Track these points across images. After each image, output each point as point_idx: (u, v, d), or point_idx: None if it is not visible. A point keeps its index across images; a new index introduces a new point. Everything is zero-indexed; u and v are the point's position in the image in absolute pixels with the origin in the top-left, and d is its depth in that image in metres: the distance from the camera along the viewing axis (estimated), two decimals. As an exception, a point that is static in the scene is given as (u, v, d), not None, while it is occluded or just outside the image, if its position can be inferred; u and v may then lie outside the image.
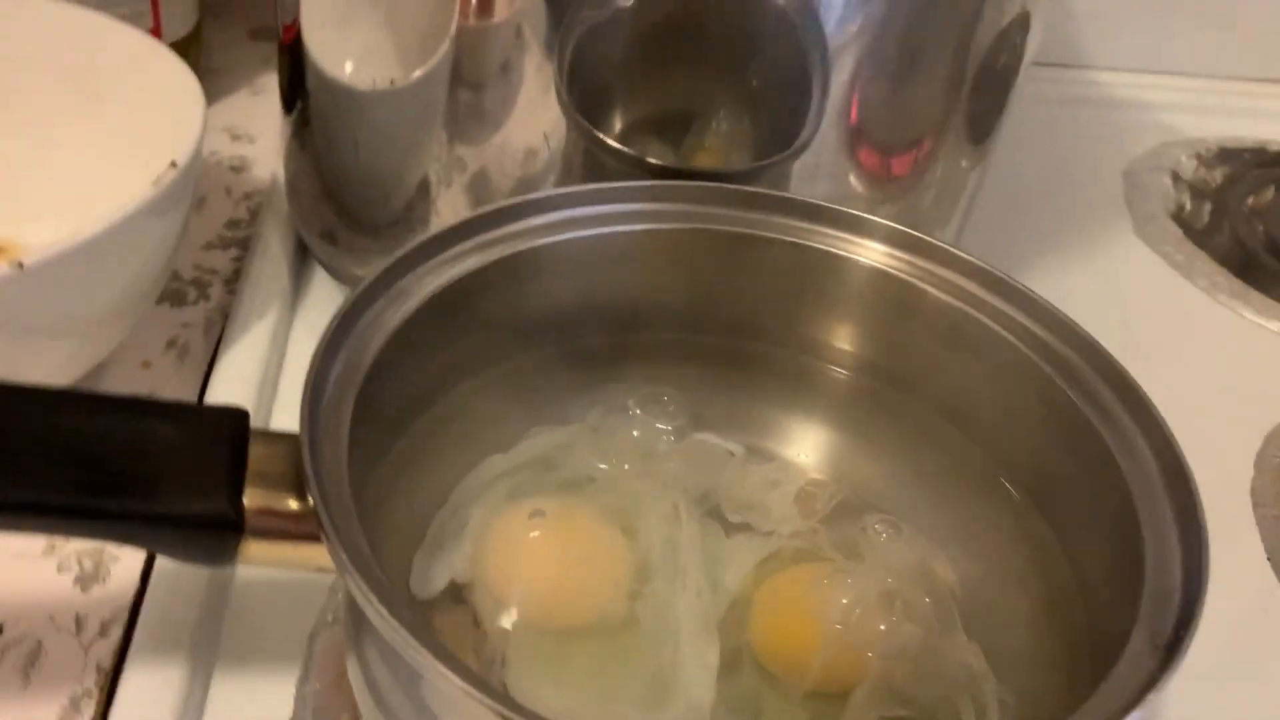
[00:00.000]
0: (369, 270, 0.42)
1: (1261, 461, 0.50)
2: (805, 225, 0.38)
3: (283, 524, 0.28)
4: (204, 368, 0.48)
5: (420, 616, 0.33)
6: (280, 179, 0.55)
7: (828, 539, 0.38)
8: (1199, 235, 0.63)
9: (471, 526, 0.37)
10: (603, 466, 0.39)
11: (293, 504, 0.28)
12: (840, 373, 0.40)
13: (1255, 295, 0.59)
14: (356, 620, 0.30)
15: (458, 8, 0.39)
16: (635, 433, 0.40)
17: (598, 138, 0.40)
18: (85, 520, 0.27)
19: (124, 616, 0.38)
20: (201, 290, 0.52)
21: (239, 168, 0.59)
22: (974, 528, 0.37)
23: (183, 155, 0.42)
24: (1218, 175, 0.69)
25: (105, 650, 0.37)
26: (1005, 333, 0.36)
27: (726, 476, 0.39)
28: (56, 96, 0.49)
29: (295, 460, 0.29)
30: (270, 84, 0.66)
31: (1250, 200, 0.67)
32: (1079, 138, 0.72)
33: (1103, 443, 0.33)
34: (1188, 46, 0.77)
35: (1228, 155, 0.71)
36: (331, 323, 0.31)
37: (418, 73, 0.41)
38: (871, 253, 0.38)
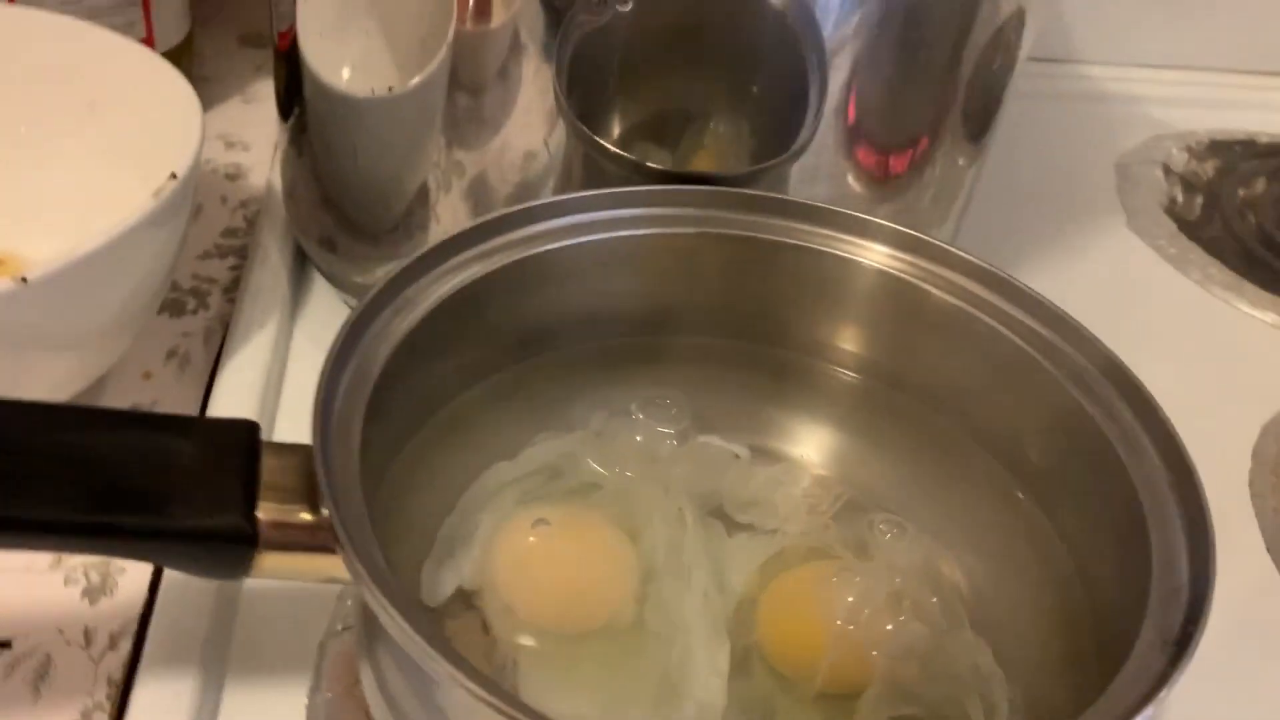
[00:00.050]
0: (376, 279, 0.43)
1: (1259, 453, 0.50)
2: (808, 228, 0.39)
3: (296, 536, 0.28)
4: (205, 378, 0.48)
5: (431, 624, 0.33)
6: (276, 186, 0.55)
7: (834, 537, 0.38)
8: (1191, 228, 0.64)
9: (480, 534, 0.37)
10: (607, 473, 0.39)
11: (306, 515, 0.28)
12: (844, 374, 0.40)
13: (1249, 287, 0.59)
14: (370, 629, 0.30)
15: (455, 13, 0.39)
16: (638, 437, 0.40)
17: (597, 143, 0.40)
18: (100, 537, 0.27)
19: (133, 629, 0.38)
20: (200, 300, 0.52)
21: (234, 176, 0.59)
22: (979, 526, 0.37)
23: (182, 166, 0.42)
24: (1209, 168, 0.69)
25: (115, 663, 0.37)
26: (1008, 332, 0.36)
27: (731, 478, 0.40)
28: (52, 108, 0.49)
29: (307, 471, 0.29)
30: (263, 91, 0.66)
31: (1241, 192, 0.67)
32: (1069, 132, 0.72)
33: (1107, 441, 0.33)
34: (1176, 40, 0.77)
35: (1218, 147, 0.71)
36: (340, 332, 0.31)
37: (415, 79, 0.41)
38: (874, 254, 0.38)
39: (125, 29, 0.54)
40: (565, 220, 0.37)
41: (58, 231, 0.44)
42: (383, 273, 0.43)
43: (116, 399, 0.46)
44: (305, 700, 0.36)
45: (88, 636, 0.38)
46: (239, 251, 0.54)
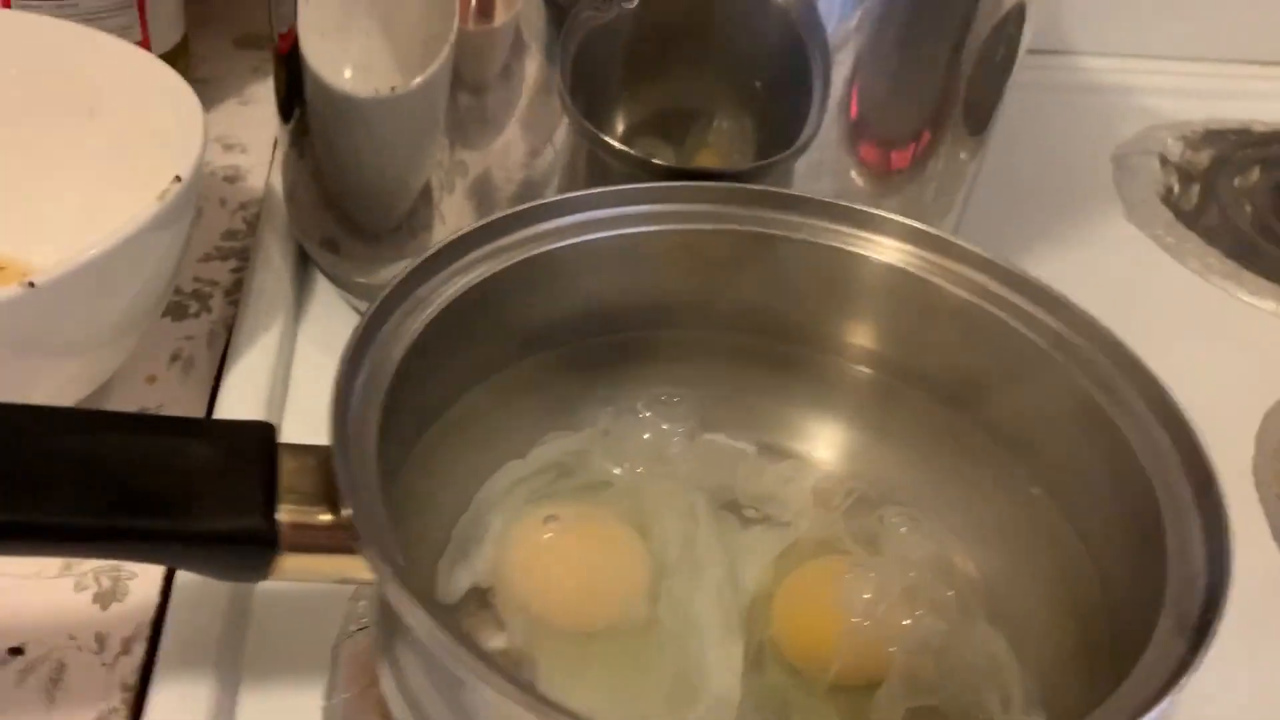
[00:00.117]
0: (381, 279, 0.43)
1: (1262, 440, 0.50)
2: (816, 222, 0.39)
3: (316, 537, 0.28)
4: (210, 380, 0.48)
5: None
6: (277, 188, 0.55)
7: (846, 531, 0.38)
8: (1189, 218, 0.64)
9: (492, 532, 0.37)
10: (616, 470, 0.39)
11: (324, 516, 0.28)
12: (854, 369, 0.40)
13: (1248, 276, 0.60)
14: (388, 629, 0.30)
15: (457, 12, 0.39)
16: (646, 435, 0.40)
17: (602, 140, 0.40)
18: (120, 541, 0.27)
19: (146, 633, 0.38)
20: (203, 302, 0.52)
21: (233, 178, 0.59)
22: (991, 519, 0.37)
23: (186, 169, 0.41)
24: (1204, 157, 0.69)
25: (129, 667, 0.37)
26: (1020, 325, 0.36)
27: (741, 474, 0.40)
28: (52, 112, 0.49)
29: (324, 472, 0.29)
30: (260, 93, 0.66)
31: (1237, 181, 0.68)
32: (1065, 123, 0.72)
33: (1119, 432, 0.33)
34: (1170, 30, 0.78)
35: (1213, 137, 0.71)
36: (355, 333, 0.31)
37: (418, 79, 0.41)
38: (884, 249, 0.38)
39: (121, 32, 0.53)
40: (573, 218, 0.37)
41: (59, 237, 0.44)
42: (393, 273, 0.43)
43: (121, 403, 0.46)
44: (321, 702, 0.36)
45: (100, 642, 0.38)
46: (240, 254, 0.54)
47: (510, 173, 0.42)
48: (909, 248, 0.38)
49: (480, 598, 0.36)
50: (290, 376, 0.48)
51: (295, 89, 0.46)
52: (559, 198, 0.37)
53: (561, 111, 0.40)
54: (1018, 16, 0.44)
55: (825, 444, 0.41)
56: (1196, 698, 0.36)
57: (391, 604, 0.26)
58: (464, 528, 0.38)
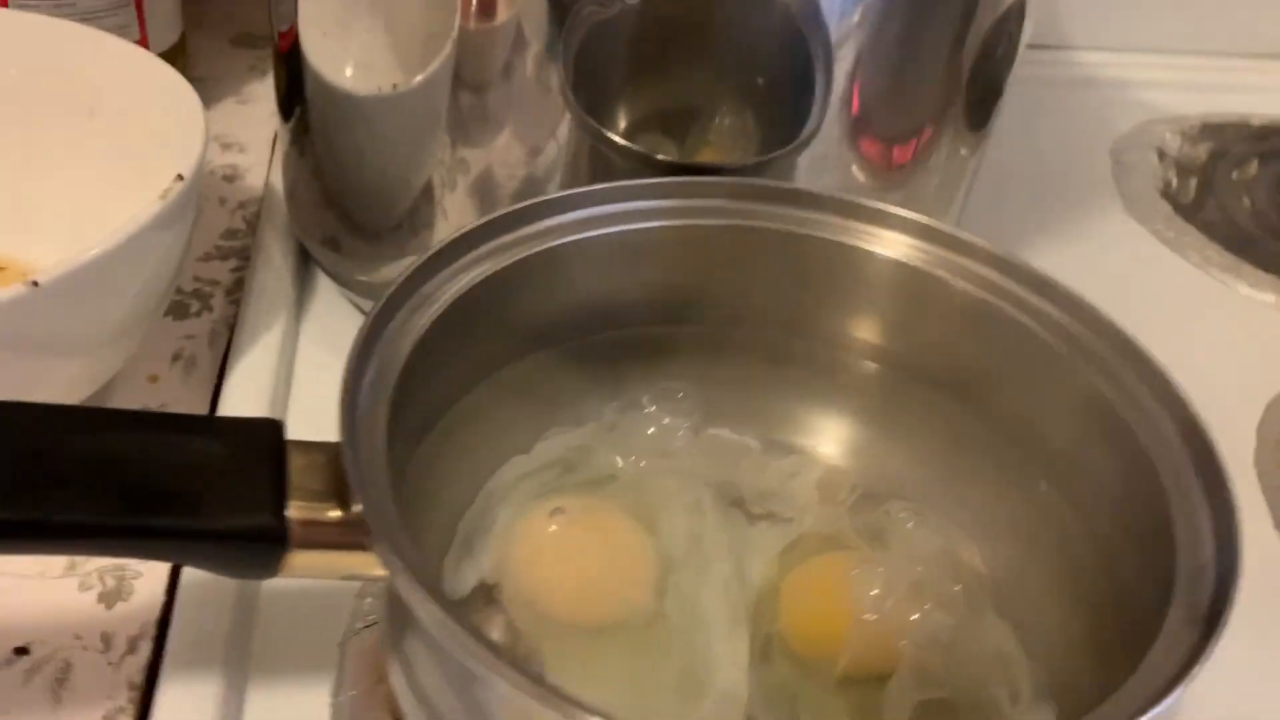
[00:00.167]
0: (383, 277, 0.43)
1: (1264, 431, 0.51)
2: (820, 217, 0.39)
3: (326, 533, 0.28)
4: (212, 380, 0.48)
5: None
6: (277, 187, 0.55)
7: (852, 527, 0.38)
8: (1187, 211, 0.64)
9: (498, 528, 0.37)
10: (621, 464, 0.39)
11: (334, 513, 0.28)
12: (859, 363, 0.40)
13: (1248, 268, 0.60)
14: (399, 624, 0.30)
15: (459, 9, 0.39)
16: (650, 430, 0.40)
17: (606, 136, 0.40)
18: (131, 539, 0.27)
19: (151, 632, 0.38)
20: (203, 302, 0.51)
21: (231, 177, 0.59)
22: (997, 512, 0.37)
23: (188, 167, 0.41)
24: (1202, 151, 0.69)
25: (135, 667, 0.37)
26: (1027, 319, 0.36)
27: (746, 468, 0.40)
28: (51, 112, 0.49)
29: (333, 469, 0.29)
30: (257, 92, 0.66)
31: (1235, 175, 0.68)
32: (1062, 118, 0.72)
33: (1126, 424, 0.33)
34: (1166, 24, 0.78)
35: (1211, 131, 0.71)
36: (362, 330, 0.31)
37: (419, 76, 0.41)
38: (890, 243, 0.38)
39: (118, 31, 0.53)
40: (577, 214, 0.37)
41: (59, 237, 0.44)
42: (395, 270, 0.43)
43: (123, 403, 0.46)
44: (329, 699, 0.36)
45: (105, 641, 0.38)
46: (240, 253, 0.54)
47: (512, 170, 0.42)
48: (914, 242, 0.38)
49: (485, 594, 0.36)
50: (293, 375, 0.48)
51: (296, 87, 0.46)
52: (563, 194, 0.37)
53: (564, 108, 0.40)
54: (1018, 12, 0.44)
55: (830, 439, 0.41)
56: (1200, 685, 0.36)
57: (404, 599, 0.26)
58: (468, 524, 0.38)
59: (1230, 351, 0.55)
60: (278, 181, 0.55)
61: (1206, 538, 0.30)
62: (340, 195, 0.47)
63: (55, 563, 0.40)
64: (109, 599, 0.39)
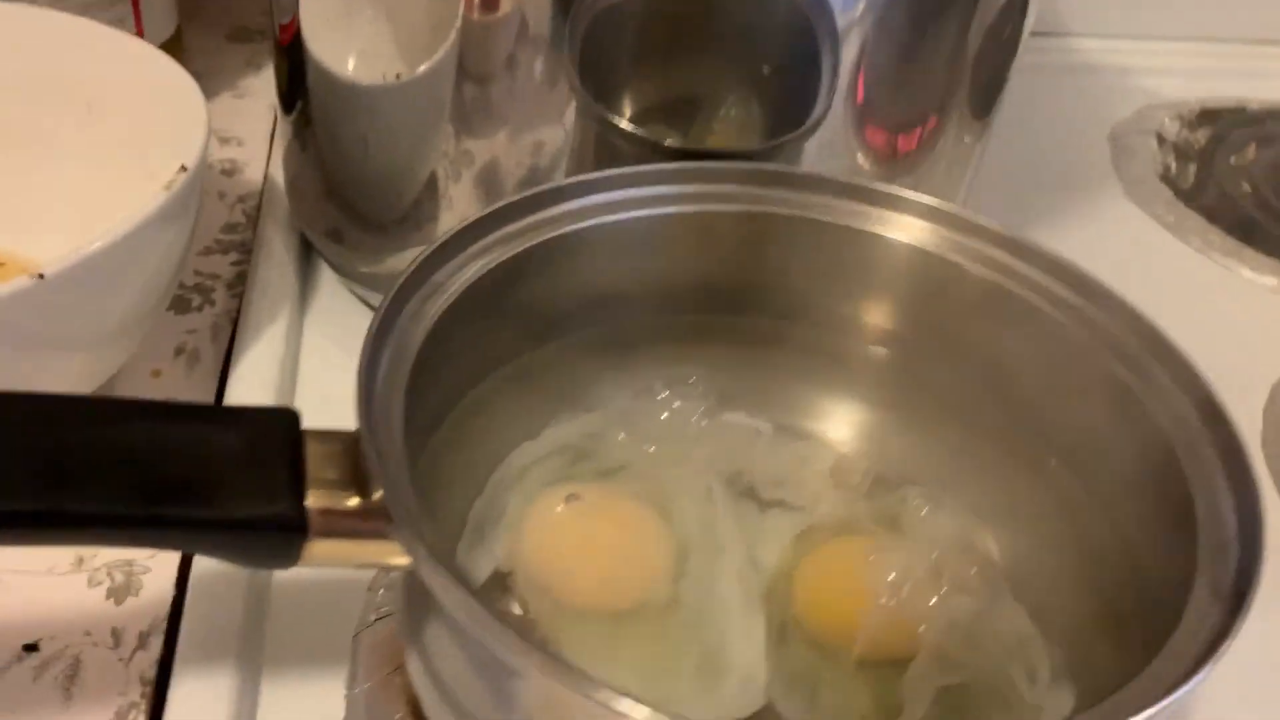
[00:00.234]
0: (387, 267, 0.42)
1: (1269, 414, 0.51)
2: (832, 201, 0.38)
3: (344, 522, 0.28)
4: (215, 374, 0.47)
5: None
6: (276, 180, 0.55)
7: (866, 512, 0.38)
8: (1187, 195, 0.64)
9: (510, 514, 0.37)
10: (634, 451, 0.39)
11: (352, 501, 0.28)
12: (870, 348, 0.40)
13: (1249, 252, 0.60)
14: (418, 613, 0.30)
15: (462, -1, 0.39)
16: (663, 415, 0.40)
17: (613, 123, 0.40)
18: (150, 529, 0.26)
19: (162, 627, 0.38)
20: (205, 296, 0.51)
21: (230, 171, 0.59)
22: (1013, 495, 0.37)
23: (191, 158, 0.41)
24: (1201, 136, 0.69)
25: (146, 662, 0.37)
26: (1038, 300, 0.36)
27: (758, 454, 0.39)
28: (50, 105, 0.48)
29: (349, 457, 0.29)
30: (254, 86, 0.66)
31: (1234, 159, 0.68)
32: (1062, 105, 0.72)
33: (1142, 404, 0.33)
34: (1164, 10, 0.78)
35: (1209, 116, 0.71)
36: (376, 318, 0.31)
37: (423, 67, 0.41)
38: (901, 227, 0.38)
39: (115, 25, 0.53)
40: (588, 200, 0.37)
41: (59, 232, 0.44)
42: (400, 262, 0.43)
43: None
44: (344, 691, 0.36)
45: (116, 636, 0.37)
46: (240, 246, 0.54)
47: (517, 159, 0.42)
48: (927, 225, 0.38)
49: (499, 582, 0.36)
50: (298, 367, 0.47)
51: (297, 79, 0.46)
52: (573, 180, 0.37)
53: (569, 96, 0.40)
54: (1022, 0, 0.44)
55: (843, 424, 0.41)
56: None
57: (428, 586, 0.26)
58: (479, 513, 0.37)
59: (1234, 335, 0.55)
60: (277, 174, 0.55)
61: (1228, 515, 0.30)
62: (344, 187, 0.47)
63: (63, 558, 0.40)
64: (118, 594, 0.39)
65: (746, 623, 0.35)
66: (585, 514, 0.36)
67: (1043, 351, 0.36)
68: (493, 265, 0.35)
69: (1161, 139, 0.69)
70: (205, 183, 0.57)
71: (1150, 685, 0.26)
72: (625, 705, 0.23)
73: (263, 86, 0.66)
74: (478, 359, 0.37)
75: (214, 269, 0.53)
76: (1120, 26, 0.78)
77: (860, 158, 0.44)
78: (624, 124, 0.40)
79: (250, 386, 0.44)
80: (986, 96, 0.47)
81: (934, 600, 0.34)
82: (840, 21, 0.39)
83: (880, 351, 0.40)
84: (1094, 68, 0.76)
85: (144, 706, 0.35)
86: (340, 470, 0.28)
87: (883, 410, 0.41)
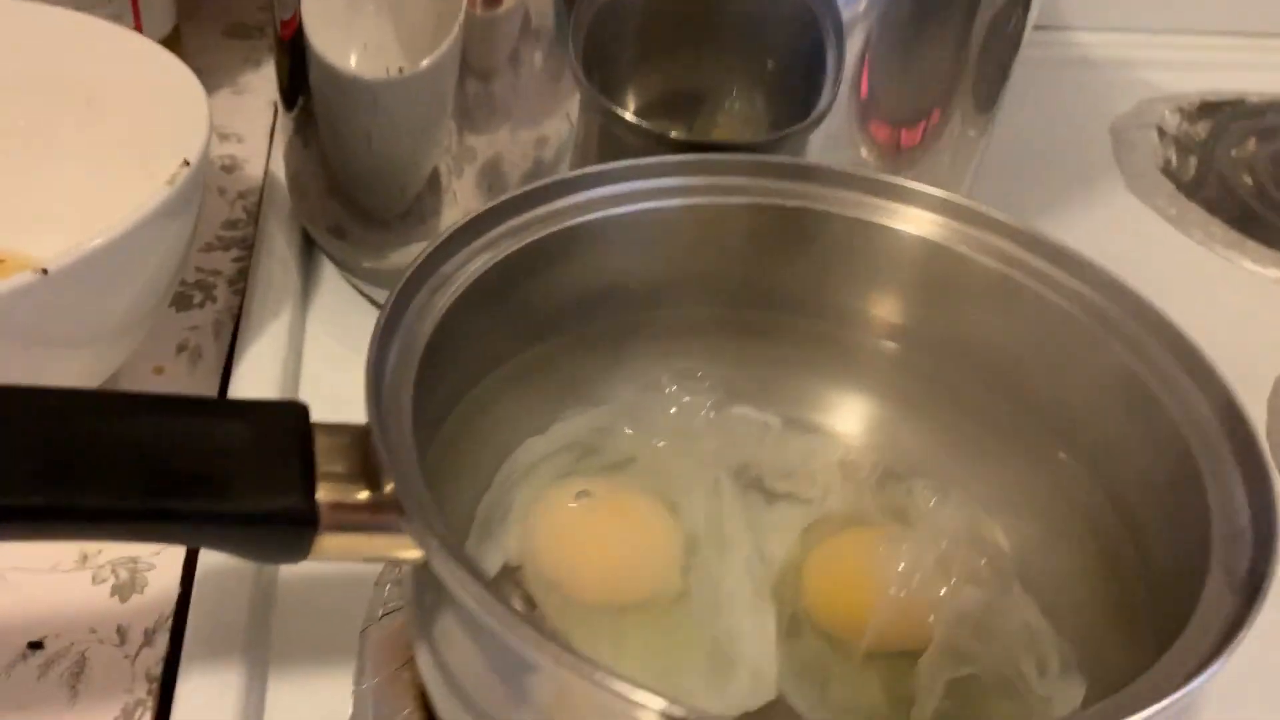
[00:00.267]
0: (398, 264, 0.42)
1: (1273, 405, 0.51)
2: (840, 194, 0.38)
3: (354, 515, 0.28)
4: (218, 370, 0.47)
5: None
6: (277, 175, 0.55)
7: (875, 504, 0.38)
8: (1188, 188, 0.64)
9: (517, 510, 0.37)
10: (641, 445, 0.39)
11: (363, 494, 0.28)
12: (879, 340, 0.40)
13: (1251, 245, 0.60)
14: (428, 607, 0.29)
15: (466, -8, 0.39)
16: (671, 410, 0.40)
17: (619, 116, 0.40)
18: (160, 524, 0.26)
19: (168, 624, 0.38)
20: (207, 292, 0.51)
21: (230, 167, 0.59)
22: (1021, 487, 0.37)
23: (194, 152, 0.41)
24: (1201, 129, 0.69)
25: (152, 659, 0.37)
26: (1048, 291, 0.36)
27: (766, 448, 0.39)
28: (49, 102, 0.48)
29: (359, 450, 0.28)
30: (253, 83, 0.66)
31: (1234, 152, 0.68)
32: (1062, 98, 0.72)
33: (1153, 394, 0.33)
34: (1164, 4, 0.78)
35: (1209, 109, 0.72)
36: (384, 310, 0.31)
37: (426, 61, 0.41)
38: (910, 219, 0.38)
39: (113, 22, 0.52)
40: (595, 193, 0.37)
41: (58, 230, 0.43)
42: (403, 257, 0.42)
43: (131, 395, 0.45)
44: (351, 687, 0.35)
45: (121, 634, 0.37)
46: (241, 243, 0.54)
47: (521, 153, 0.42)
48: (936, 217, 0.38)
49: (509, 575, 0.36)
50: (302, 363, 0.47)
51: (299, 75, 0.46)
52: (581, 172, 0.37)
53: (573, 89, 0.40)
54: (1028, -8, 0.44)
55: (851, 418, 0.40)
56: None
57: (441, 579, 0.26)
58: (487, 508, 0.37)
59: (1237, 327, 0.55)
60: (277, 170, 0.55)
61: (1241, 505, 0.30)
62: (346, 183, 0.47)
63: (67, 556, 0.39)
64: (123, 592, 0.39)
65: (756, 615, 0.35)
66: (594, 509, 0.36)
67: (1052, 343, 0.36)
68: (501, 257, 0.35)
69: (1162, 132, 0.69)
70: (205, 179, 0.57)
71: (1166, 675, 0.26)
72: (642, 696, 0.23)
73: (261, 82, 0.65)
74: (484, 353, 0.37)
75: (215, 265, 0.53)
76: (1120, 20, 0.78)
77: (864, 151, 0.44)
78: (629, 117, 0.40)
79: (254, 382, 0.44)
80: (990, 90, 0.47)
81: (944, 591, 0.34)
82: (845, 15, 0.39)
83: (889, 344, 0.40)
84: (1094, 61, 0.76)
85: (150, 704, 0.35)
86: (349, 463, 0.28)
87: (892, 403, 0.40)
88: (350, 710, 0.35)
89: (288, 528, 0.27)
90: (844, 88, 0.41)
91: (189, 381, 0.47)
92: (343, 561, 0.29)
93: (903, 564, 0.34)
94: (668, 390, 0.39)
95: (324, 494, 0.27)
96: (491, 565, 0.36)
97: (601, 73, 0.40)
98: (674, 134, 0.40)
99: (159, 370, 0.47)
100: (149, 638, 0.37)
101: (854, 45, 0.40)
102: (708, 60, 0.40)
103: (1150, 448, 0.33)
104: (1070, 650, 0.34)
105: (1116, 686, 0.26)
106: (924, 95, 0.44)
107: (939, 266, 0.38)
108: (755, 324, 0.40)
